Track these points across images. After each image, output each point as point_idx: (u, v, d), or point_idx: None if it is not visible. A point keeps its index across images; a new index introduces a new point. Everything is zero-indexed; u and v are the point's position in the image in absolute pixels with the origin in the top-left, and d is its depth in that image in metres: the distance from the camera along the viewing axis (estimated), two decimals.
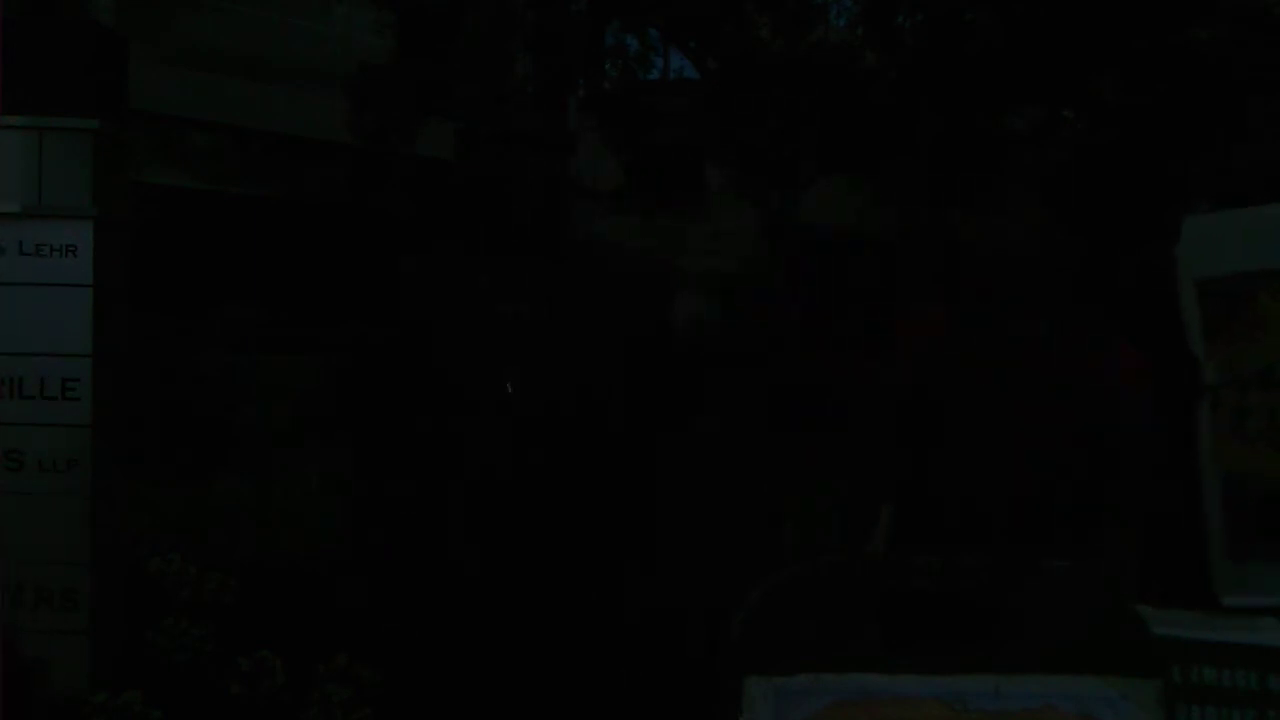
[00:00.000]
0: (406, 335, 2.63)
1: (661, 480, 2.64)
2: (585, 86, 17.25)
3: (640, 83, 16.37)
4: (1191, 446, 3.02)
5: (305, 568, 5.25)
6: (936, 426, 3.01)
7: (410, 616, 2.64)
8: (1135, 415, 2.94)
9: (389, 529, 2.65)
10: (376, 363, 2.73)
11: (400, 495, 2.64)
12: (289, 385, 10.40)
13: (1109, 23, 12.61)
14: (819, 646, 1.75)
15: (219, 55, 19.47)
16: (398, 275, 2.69)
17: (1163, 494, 3.05)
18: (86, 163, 4.02)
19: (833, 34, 16.23)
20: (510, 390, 2.53)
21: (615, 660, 2.58)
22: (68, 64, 4.03)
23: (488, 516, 2.55)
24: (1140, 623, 1.77)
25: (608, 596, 2.57)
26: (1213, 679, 1.92)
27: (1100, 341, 3.00)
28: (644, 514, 2.60)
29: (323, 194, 20.04)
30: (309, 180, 20.07)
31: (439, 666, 2.60)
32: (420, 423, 2.59)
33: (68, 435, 3.97)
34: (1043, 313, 3.00)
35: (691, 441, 2.71)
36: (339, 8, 21.37)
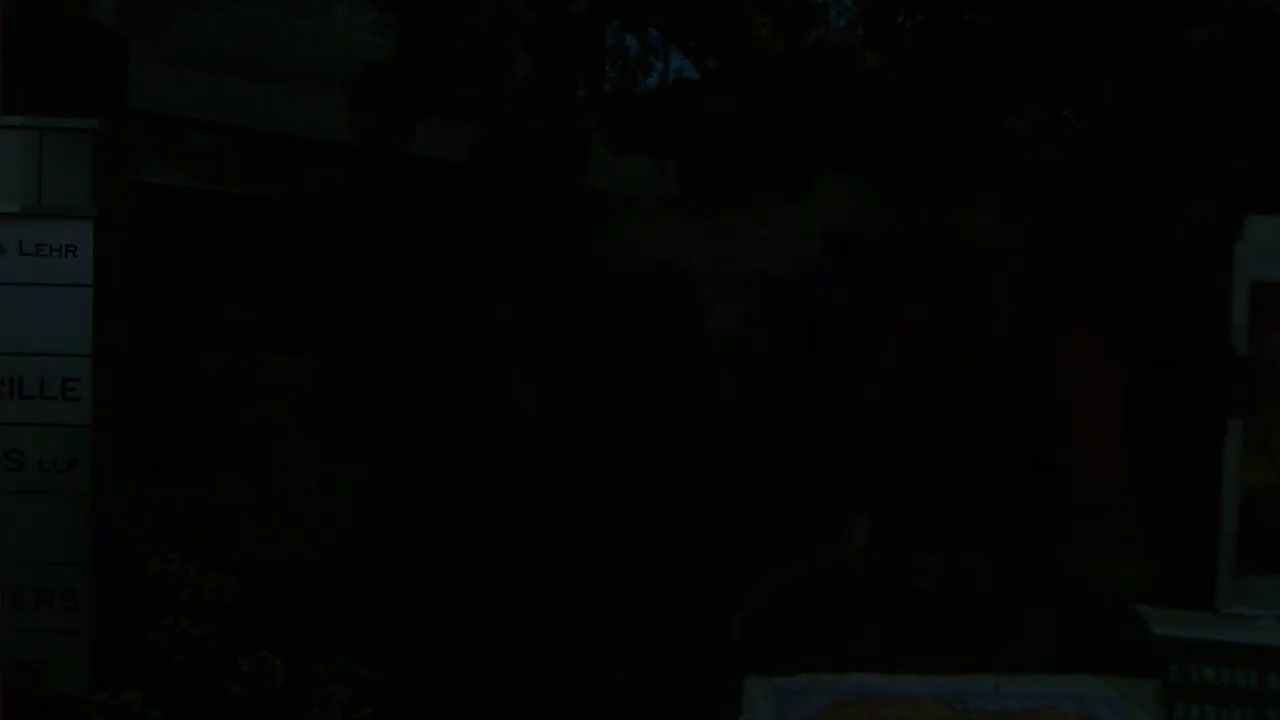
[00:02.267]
0: (410, 336, 2.63)
1: (671, 481, 2.63)
2: (585, 87, 17.26)
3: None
4: (1213, 458, 3.01)
5: (305, 568, 5.25)
6: (915, 430, 3.00)
7: (414, 617, 2.64)
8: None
9: (396, 529, 2.65)
10: (380, 363, 2.73)
11: (409, 495, 2.64)
12: (289, 385, 10.40)
13: (1109, 23, 12.61)
14: (819, 646, 1.75)
15: (219, 55, 19.47)
16: (397, 276, 2.69)
17: (1178, 503, 3.04)
18: (86, 163, 4.02)
19: (833, 34, 16.24)
20: (524, 400, 2.52)
21: (617, 661, 2.58)
22: (68, 64, 4.03)
23: (492, 517, 2.55)
24: (1140, 623, 1.77)
25: (615, 597, 2.57)
26: (1211, 678, 1.92)
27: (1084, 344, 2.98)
28: (649, 515, 2.60)
29: (323, 194, 20.04)
30: (309, 180, 20.07)
31: (440, 667, 2.60)
32: (429, 424, 2.59)
33: (68, 435, 3.97)
34: (1032, 313, 2.99)
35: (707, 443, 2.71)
36: (339, 8, 21.38)
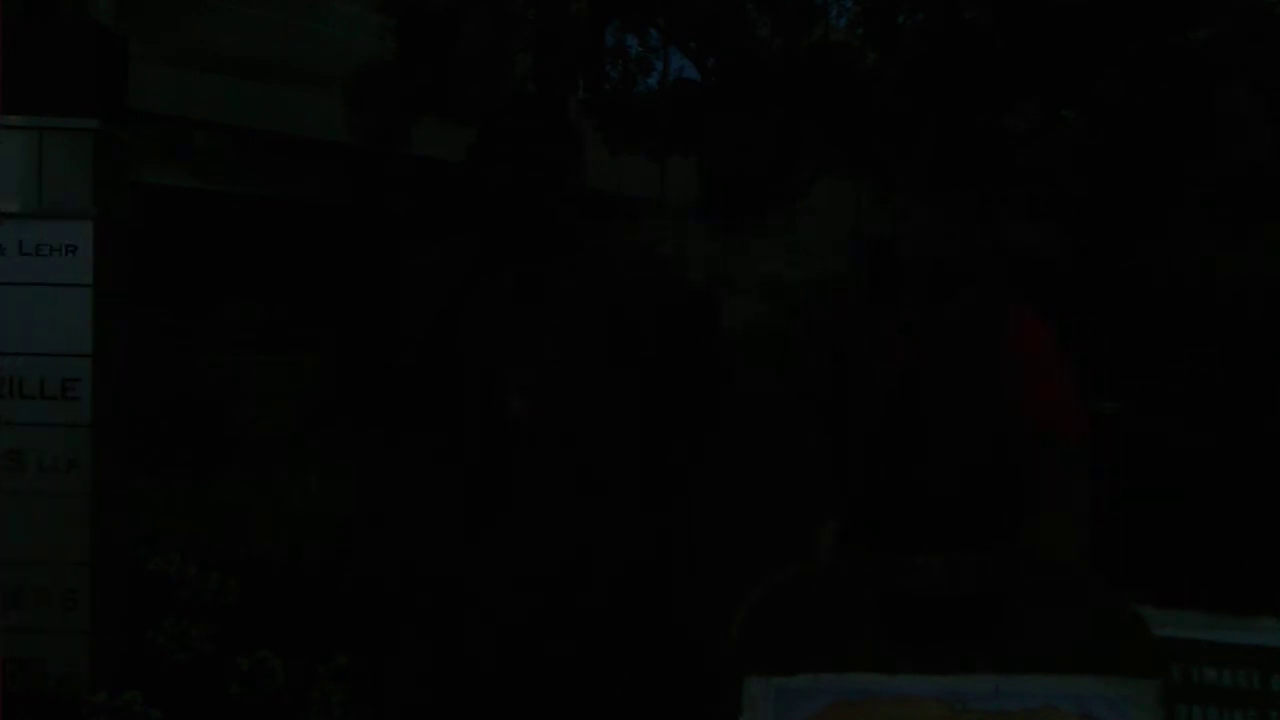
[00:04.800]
0: (410, 337, 2.63)
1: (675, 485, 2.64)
2: (585, 87, 17.28)
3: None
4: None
5: (305, 568, 5.25)
6: (888, 434, 2.99)
7: (414, 617, 2.64)
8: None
9: (398, 530, 2.65)
10: (382, 364, 2.73)
11: (410, 495, 2.64)
12: (289, 385, 10.40)
13: (1109, 23, 12.61)
14: (819, 646, 1.75)
15: (219, 55, 19.48)
16: (398, 277, 2.68)
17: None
18: (86, 163, 4.02)
19: (833, 34, 16.25)
20: (525, 402, 2.52)
21: (616, 661, 2.57)
22: (68, 64, 4.03)
23: (494, 518, 2.55)
24: (1140, 623, 1.77)
25: (619, 598, 2.57)
26: (1213, 679, 1.92)
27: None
28: (651, 516, 2.60)
29: (323, 194, 20.06)
30: (309, 180, 20.10)
31: (439, 668, 2.60)
32: (429, 424, 2.59)
33: (68, 435, 3.97)
34: (1011, 312, 2.99)
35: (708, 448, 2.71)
36: (339, 9, 21.40)
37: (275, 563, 5.27)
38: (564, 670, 2.53)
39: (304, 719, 3.97)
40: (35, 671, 3.87)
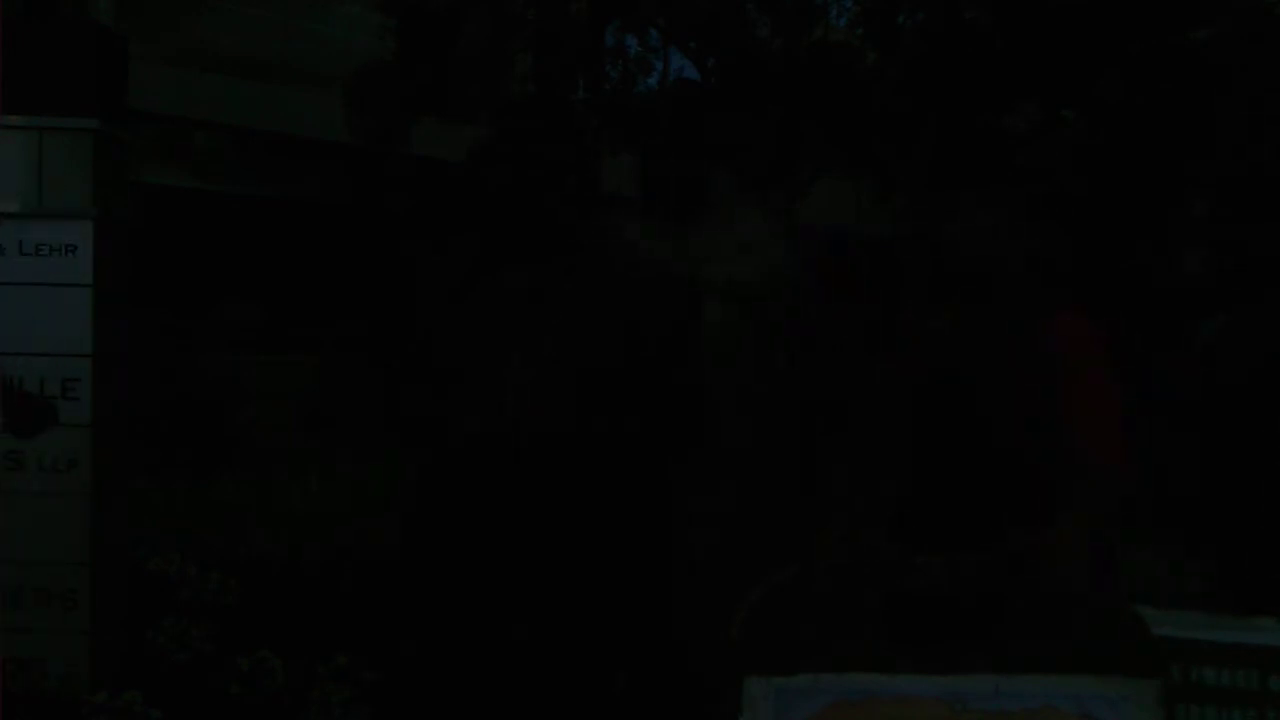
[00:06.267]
0: (410, 338, 2.64)
1: (673, 486, 2.64)
2: (585, 87, 17.29)
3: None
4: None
5: (305, 568, 5.26)
6: (939, 429, 3.00)
7: (414, 617, 2.64)
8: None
9: (400, 530, 2.65)
10: (384, 365, 2.73)
11: (411, 496, 2.64)
12: (289, 385, 10.41)
13: (1109, 23, 12.62)
14: (819, 646, 1.75)
15: (219, 55, 19.48)
16: (399, 277, 2.69)
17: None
18: (86, 163, 4.02)
19: (833, 34, 16.26)
20: (525, 402, 2.52)
21: (618, 661, 2.58)
22: (68, 64, 4.03)
23: (494, 518, 2.55)
24: (1140, 623, 1.77)
25: (615, 598, 2.57)
26: (1213, 679, 1.92)
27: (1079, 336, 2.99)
28: (652, 517, 2.60)
29: (323, 194, 20.06)
30: (309, 180, 20.09)
31: (439, 668, 2.60)
32: (431, 425, 2.60)
33: (68, 435, 3.97)
34: (1038, 313, 3.00)
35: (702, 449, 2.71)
36: (339, 9, 21.41)
37: (275, 563, 5.27)
38: (564, 670, 2.53)
39: (304, 719, 3.97)
40: (35, 671, 3.87)
